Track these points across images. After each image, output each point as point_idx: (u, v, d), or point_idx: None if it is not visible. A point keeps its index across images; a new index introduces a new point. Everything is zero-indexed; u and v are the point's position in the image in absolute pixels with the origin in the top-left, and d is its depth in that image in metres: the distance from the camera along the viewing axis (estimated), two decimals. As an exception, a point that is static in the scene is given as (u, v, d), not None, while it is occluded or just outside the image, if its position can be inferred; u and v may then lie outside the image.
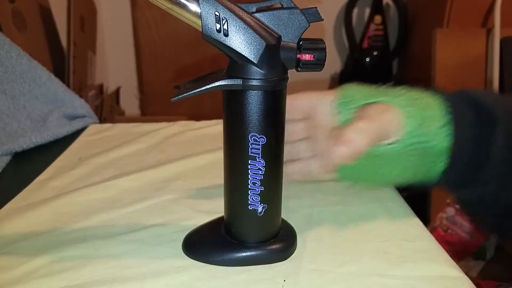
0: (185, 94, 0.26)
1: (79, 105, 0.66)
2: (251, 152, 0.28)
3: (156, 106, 1.63)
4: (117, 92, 1.62)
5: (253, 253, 0.31)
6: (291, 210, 0.38)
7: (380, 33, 1.75)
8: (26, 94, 0.62)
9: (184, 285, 0.29)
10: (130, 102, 1.72)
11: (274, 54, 0.26)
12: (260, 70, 0.26)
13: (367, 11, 1.76)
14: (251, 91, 0.26)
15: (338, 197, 0.41)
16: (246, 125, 0.27)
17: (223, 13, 0.25)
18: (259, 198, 0.29)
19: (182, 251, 0.33)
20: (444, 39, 1.34)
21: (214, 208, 0.39)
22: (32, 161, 0.54)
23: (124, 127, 0.63)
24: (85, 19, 1.33)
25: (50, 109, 0.63)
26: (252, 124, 0.27)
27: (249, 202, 0.29)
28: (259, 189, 0.29)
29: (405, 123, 0.31)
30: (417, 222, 0.36)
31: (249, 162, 0.28)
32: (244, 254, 0.31)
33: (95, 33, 1.46)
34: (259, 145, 0.28)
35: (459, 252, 1.01)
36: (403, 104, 0.32)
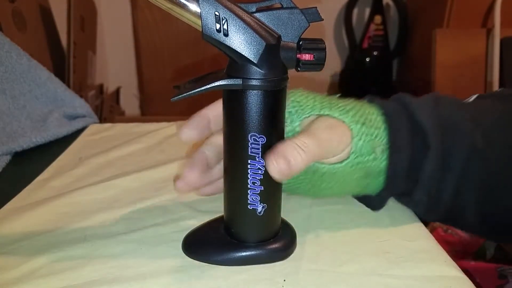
0: (184, 94, 0.26)
1: (79, 105, 0.66)
2: (251, 152, 0.28)
3: (156, 106, 1.63)
4: (117, 92, 1.62)
5: (253, 252, 0.31)
6: (291, 210, 0.38)
7: (380, 33, 1.75)
8: (26, 94, 0.62)
9: (184, 285, 0.29)
10: (130, 102, 1.72)
11: (274, 54, 0.26)
12: (260, 70, 0.26)
13: (367, 11, 1.76)
14: (251, 90, 0.26)
15: (338, 197, 0.41)
16: (246, 125, 0.27)
17: (223, 13, 0.25)
18: (258, 198, 0.29)
19: (182, 251, 0.33)
20: (444, 39, 1.34)
21: (214, 208, 0.39)
22: (32, 161, 0.53)
23: (124, 127, 0.63)
24: (85, 19, 1.33)
25: (50, 109, 0.63)
26: (252, 124, 0.27)
27: (248, 202, 0.29)
28: (258, 188, 0.29)
29: (353, 143, 0.31)
30: (417, 222, 0.36)
31: (249, 162, 0.28)
32: (244, 253, 0.31)
33: (95, 33, 1.46)
34: (259, 144, 0.28)
35: (459, 252, 1.01)
36: (353, 121, 0.32)
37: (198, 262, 0.31)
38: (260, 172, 0.28)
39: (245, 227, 0.31)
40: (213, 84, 0.26)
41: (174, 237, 0.34)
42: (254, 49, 0.25)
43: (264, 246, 0.31)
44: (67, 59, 1.21)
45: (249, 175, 0.29)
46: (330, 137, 0.31)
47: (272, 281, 0.29)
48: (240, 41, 0.25)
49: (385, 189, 0.34)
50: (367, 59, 1.73)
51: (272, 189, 0.30)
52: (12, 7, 0.91)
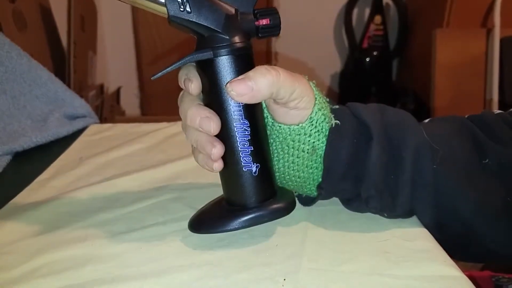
0: (164, 71, 0.29)
1: (80, 105, 0.66)
2: (234, 115, 0.30)
3: (156, 106, 1.63)
4: (117, 92, 1.62)
5: (255, 214, 0.31)
6: (291, 210, 0.38)
7: (380, 33, 1.75)
8: (27, 94, 0.62)
9: (184, 284, 0.29)
10: (130, 102, 1.72)
11: (235, 23, 0.29)
12: (225, 37, 0.29)
13: (367, 11, 1.76)
14: (221, 58, 0.29)
15: (338, 196, 0.41)
16: (224, 91, 0.29)
17: None
18: (251, 158, 0.30)
19: (182, 250, 0.33)
20: (444, 39, 1.34)
21: (214, 208, 0.39)
22: (33, 160, 0.54)
23: (125, 127, 0.63)
24: (85, 18, 1.33)
25: (51, 109, 0.63)
26: None
27: (242, 164, 0.30)
28: (249, 149, 0.30)
29: (313, 109, 0.32)
30: (417, 222, 0.36)
31: (235, 125, 0.30)
32: (247, 217, 0.31)
33: (95, 33, 1.47)
34: (240, 106, 0.30)
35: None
36: (316, 91, 0.33)
37: (199, 261, 0.31)
38: (247, 132, 0.30)
39: (243, 190, 0.31)
40: (187, 58, 0.29)
41: (174, 236, 0.34)
42: (217, 20, 0.29)
43: (265, 206, 0.32)
44: (67, 59, 1.21)
45: (237, 138, 0.30)
46: (300, 81, 0.31)
47: (272, 280, 0.29)
48: (203, 15, 0.28)
49: (324, 179, 0.33)
50: (367, 59, 1.73)
51: (261, 148, 0.31)
52: (12, 7, 0.91)
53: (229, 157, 0.31)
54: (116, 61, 1.70)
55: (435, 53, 1.33)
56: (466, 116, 0.38)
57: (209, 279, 0.30)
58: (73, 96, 0.67)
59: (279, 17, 0.30)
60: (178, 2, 0.28)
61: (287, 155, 0.33)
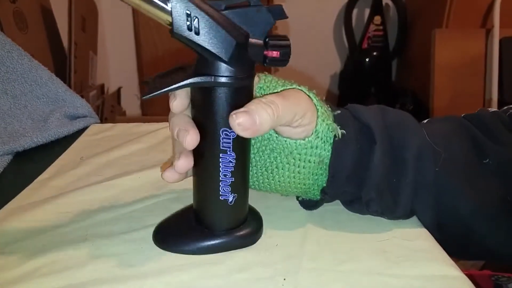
0: (156, 93, 0.26)
1: (80, 105, 0.66)
2: (223, 146, 0.29)
3: (156, 106, 1.63)
4: (118, 92, 1.62)
5: (222, 240, 0.32)
6: (291, 209, 0.38)
7: (380, 33, 1.75)
8: (28, 94, 0.62)
9: (185, 284, 0.29)
10: (131, 102, 1.72)
11: (243, 52, 0.27)
12: (230, 68, 0.26)
13: (367, 11, 1.76)
14: (222, 87, 0.27)
15: (337, 196, 0.41)
16: (217, 121, 0.28)
17: (194, 11, 0.25)
18: (229, 189, 0.30)
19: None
20: (443, 39, 1.34)
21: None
22: (33, 160, 0.54)
23: (125, 127, 0.63)
24: (86, 19, 1.34)
25: (51, 109, 0.64)
26: (224, 120, 0.28)
27: (220, 193, 0.30)
28: (230, 180, 0.30)
29: (317, 122, 0.31)
30: (416, 221, 0.36)
31: (221, 156, 0.29)
32: (213, 242, 0.32)
33: (96, 33, 1.47)
34: (230, 139, 0.28)
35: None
36: (317, 101, 0.32)
37: (199, 261, 0.32)
38: (231, 164, 0.29)
39: (216, 217, 0.32)
40: (184, 82, 0.26)
41: (175, 236, 0.35)
42: (225, 48, 0.26)
43: (232, 234, 0.32)
44: (68, 59, 1.21)
45: (220, 168, 0.29)
46: (299, 100, 0.30)
47: (272, 280, 0.29)
48: (211, 39, 0.25)
49: (329, 185, 0.33)
50: (367, 60, 1.73)
51: (242, 179, 0.31)
52: (13, 8, 0.91)
53: (208, 185, 0.30)
54: (116, 62, 1.70)
55: (434, 53, 1.34)
56: (462, 115, 0.38)
57: (209, 278, 0.30)
58: (74, 96, 0.67)
59: (290, 50, 0.28)
60: (186, 20, 0.25)
61: (293, 167, 0.33)
